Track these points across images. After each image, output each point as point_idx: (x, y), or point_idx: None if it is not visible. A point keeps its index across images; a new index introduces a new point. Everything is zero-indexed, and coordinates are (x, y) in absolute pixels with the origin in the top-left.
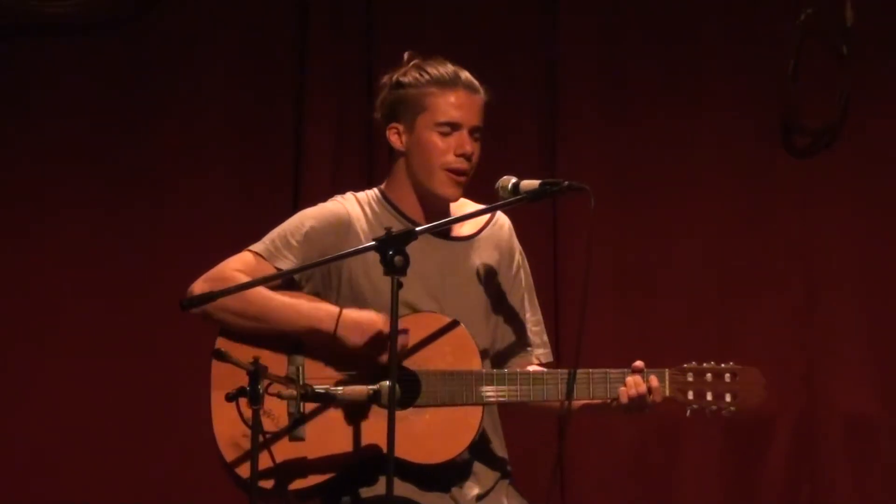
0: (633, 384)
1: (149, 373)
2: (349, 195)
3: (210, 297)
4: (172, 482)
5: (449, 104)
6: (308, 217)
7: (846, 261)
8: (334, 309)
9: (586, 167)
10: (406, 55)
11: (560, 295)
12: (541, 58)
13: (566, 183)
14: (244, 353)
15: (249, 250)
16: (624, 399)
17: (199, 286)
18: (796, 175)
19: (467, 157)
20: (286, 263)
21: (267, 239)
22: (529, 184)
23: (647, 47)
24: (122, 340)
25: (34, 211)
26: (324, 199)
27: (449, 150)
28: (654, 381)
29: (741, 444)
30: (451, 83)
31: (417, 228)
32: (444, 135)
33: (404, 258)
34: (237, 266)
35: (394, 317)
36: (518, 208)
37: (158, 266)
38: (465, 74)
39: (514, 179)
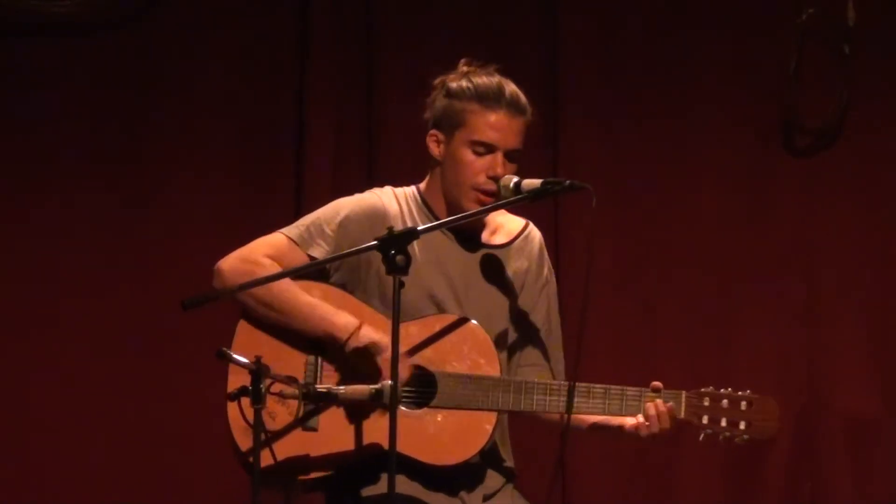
0: (655, 419)
1: (148, 371)
2: (387, 189)
3: (210, 297)
4: (173, 482)
5: (487, 124)
6: (344, 206)
7: (846, 260)
8: (353, 321)
9: (587, 166)
10: (462, 62)
11: (561, 294)
12: (541, 58)
13: (567, 182)
14: (264, 338)
15: (282, 233)
16: (644, 431)
17: (227, 263)
18: (796, 175)
19: (497, 181)
20: (319, 252)
21: (301, 224)
22: (531, 183)
23: (648, 47)
24: (122, 338)
25: (34, 210)
26: (324, 200)
27: (481, 171)
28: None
29: (741, 444)
30: (494, 101)
31: (419, 227)
32: (479, 154)
33: (406, 257)
34: (268, 250)
35: (395, 316)
36: (520, 207)
37: (158, 266)
38: (511, 92)
39: (515, 179)
